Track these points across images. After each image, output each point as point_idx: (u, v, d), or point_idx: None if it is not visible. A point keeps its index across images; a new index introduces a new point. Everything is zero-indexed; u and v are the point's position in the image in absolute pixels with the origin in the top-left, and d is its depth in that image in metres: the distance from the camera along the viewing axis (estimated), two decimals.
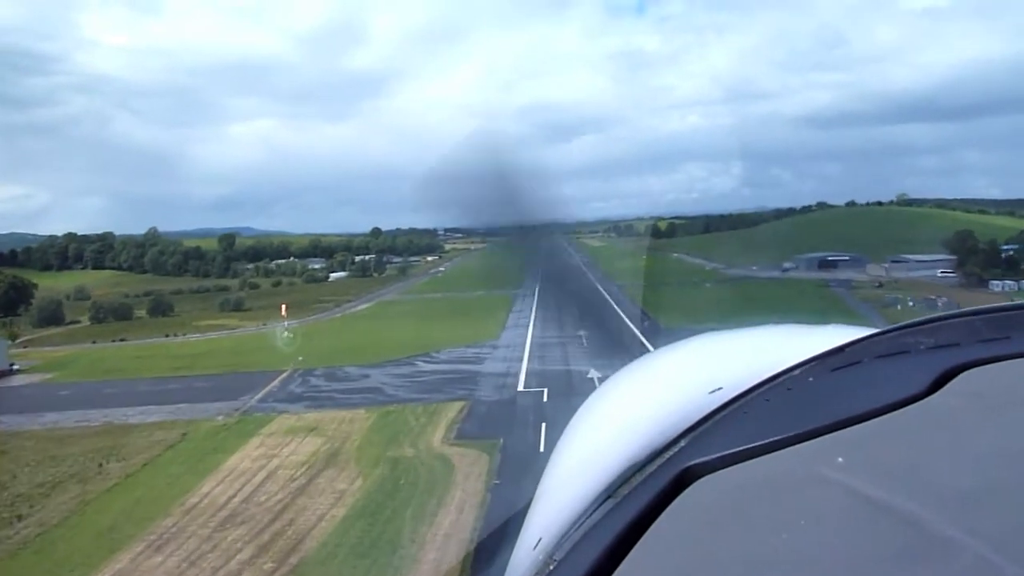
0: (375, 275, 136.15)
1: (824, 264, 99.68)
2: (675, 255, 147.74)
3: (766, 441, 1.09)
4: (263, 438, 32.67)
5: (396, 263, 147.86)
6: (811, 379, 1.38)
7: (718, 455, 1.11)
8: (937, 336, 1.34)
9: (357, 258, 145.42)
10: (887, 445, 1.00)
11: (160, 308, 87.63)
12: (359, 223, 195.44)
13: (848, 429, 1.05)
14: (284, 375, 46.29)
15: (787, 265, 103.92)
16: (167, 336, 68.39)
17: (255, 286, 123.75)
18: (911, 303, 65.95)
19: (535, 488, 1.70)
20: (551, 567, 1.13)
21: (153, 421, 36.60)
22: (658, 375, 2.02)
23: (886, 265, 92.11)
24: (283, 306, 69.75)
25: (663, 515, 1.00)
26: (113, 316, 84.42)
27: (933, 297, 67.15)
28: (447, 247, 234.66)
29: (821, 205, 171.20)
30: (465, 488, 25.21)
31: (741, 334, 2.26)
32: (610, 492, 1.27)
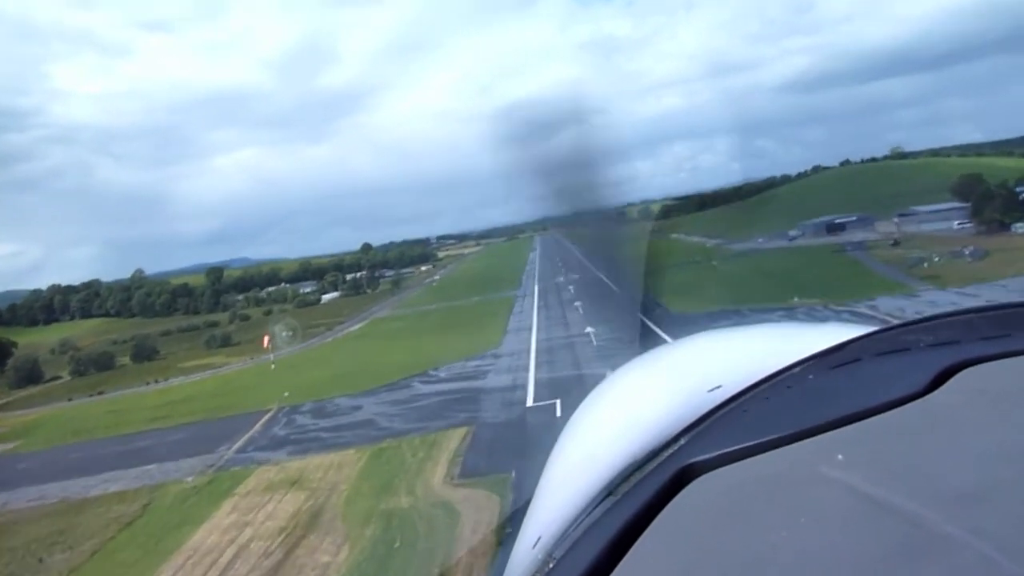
0: (368, 291, 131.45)
1: (832, 227, 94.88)
2: (673, 235, 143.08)
3: (766, 439, 1.10)
4: (237, 499, 27.92)
5: (389, 277, 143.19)
6: (811, 377, 1.38)
7: (718, 453, 1.12)
8: (937, 334, 1.33)
9: (348, 276, 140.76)
10: (887, 443, 1.01)
11: (143, 353, 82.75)
12: (352, 241, 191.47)
13: (848, 427, 1.05)
14: (268, 416, 41.53)
15: (793, 233, 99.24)
16: (148, 383, 63.61)
17: (245, 317, 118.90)
18: (936, 258, 61.12)
19: (535, 486, 1.66)
20: (551, 565, 1.13)
21: (115, 491, 31.79)
22: (657, 373, 1.97)
23: (896, 221, 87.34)
24: (265, 338, 64.82)
25: (663, 513, 1.01)
26: (94, 367, 79.56)
27: (959, 248, 62.36)
28: (440, 255, 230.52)
29: (816, 169, 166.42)
30: (472, 543, 20.46)
31: (740, 332, 2.30)
32: (610, 490, 1.27)
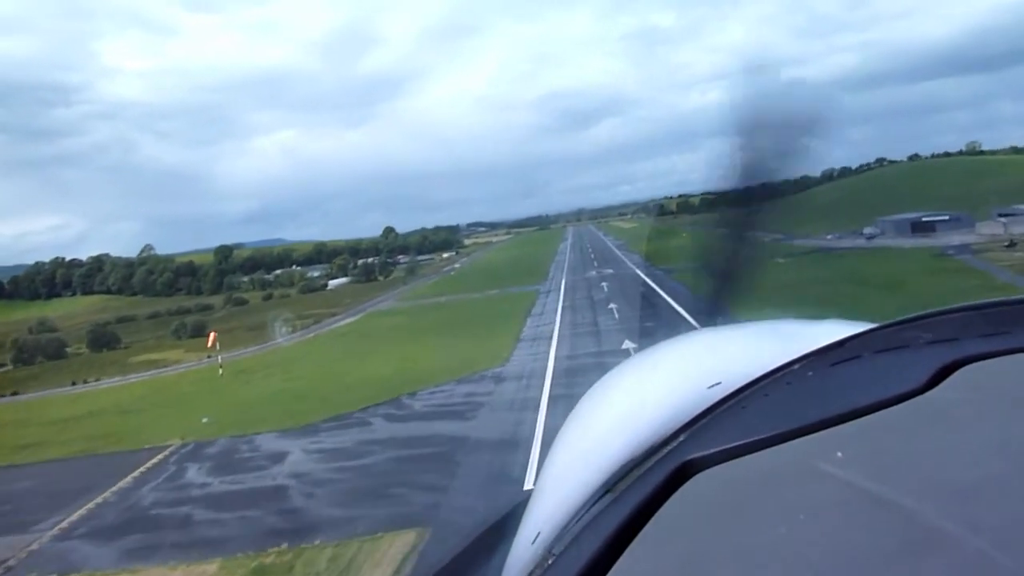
0: (380, 278, 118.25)
1: (918, 226, 78.88)
2: (719, 230, 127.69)
3: (765, 436, 1.10)
4: None
5: (403, 264, 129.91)
6: (810, 374, 1.37)
7: (717, 449, 1.12)
8: (936, 331, 1.32)
9: (360, 261, 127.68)
10: (886, 440, 1.01)
11: (103, 340, 70.19)
12: (390, 225, 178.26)
13: (847, 424, 1.05)
14: (151, 463, 27.94)
15: (870, 231, 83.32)
16: (73, 384, 50.83)
17: (241, 301, 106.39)
18: None
19: (534, 482, 1.64)
20: (550, 561, 1.13)
21: None
22: (657, 370, 1.95)
23: (1003, 220, 71.37)
24: (211, 336, 51.39)
25: (662, 509, 1.01)
26: (43, 355, 67.20)
27: None
28: (467, 242, 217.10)
29: (880, 161, 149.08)
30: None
31: (740, 328, 2.29)
32: (609, 486, 1.27)
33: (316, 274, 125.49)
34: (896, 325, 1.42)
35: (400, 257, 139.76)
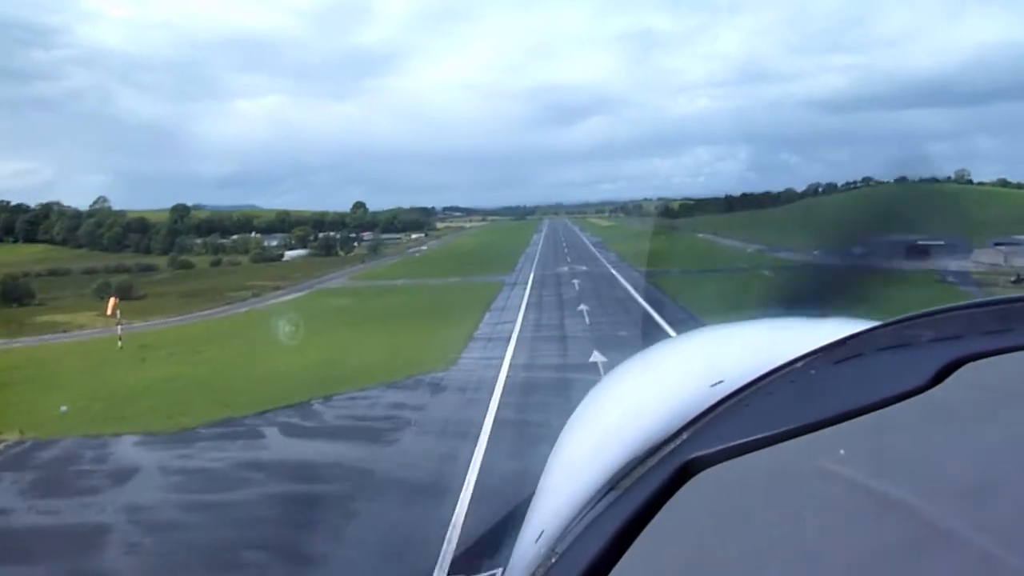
0: (341, 253, 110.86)
1: (914, 250, 73.86)
2: (700, 235, 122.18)
3: (768, 434, 1.09)
4: None
5: (367, 241, 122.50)
6: (813, 372, 1.37)
7: (720, 448, 1.11)
8: (939, 328, 1.31)
9: (321, 234, 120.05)
10: (889, 438, 1.01)
11: (14, 295, 62.32)
12: (367, 203, 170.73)
13: (850, 422, 1.05)
14: None
15: (859, 251, 78.03)
16: None
17: (187, 265, 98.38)
18: None
19: (537, 480, 1.63)
20: (553, 559, 1.13)
21: None
22: (659, 368, 1.96)
23: (1004, 250, 66.40)
24: (111, 302, 44.05)
25: (665, 507, 1.01)
26: None
27: None
28: (439, 225, 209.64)
29: (867, 180, 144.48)
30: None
31: (742, 327, 2.24)
32: (612, 485, 1.27)
33: (274, 243, 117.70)
34: (899, 323, 1.41)
35: (365, 234, 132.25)
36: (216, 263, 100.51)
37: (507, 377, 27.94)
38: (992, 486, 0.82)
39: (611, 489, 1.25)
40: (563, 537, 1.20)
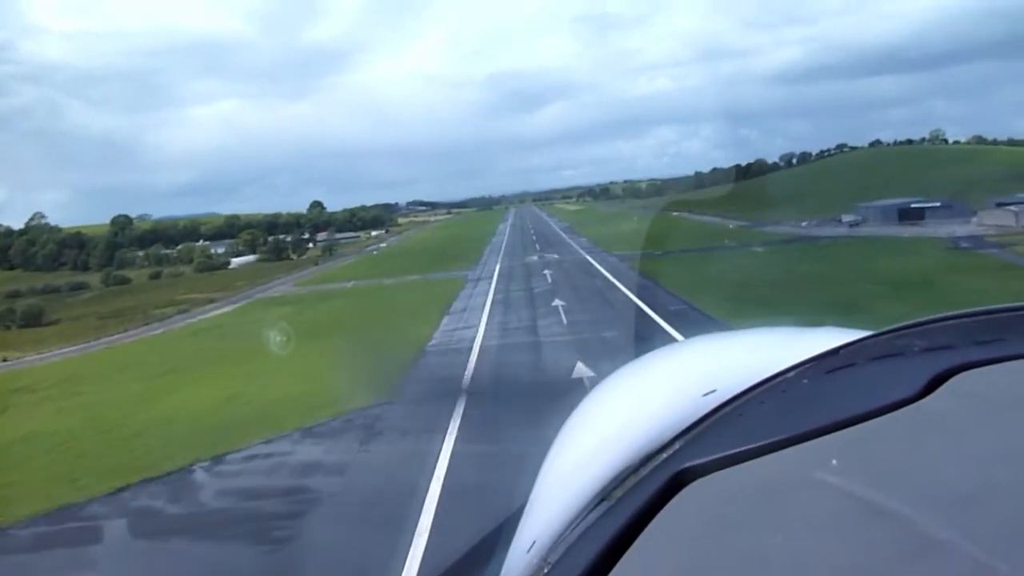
0: (293, 256, 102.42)
1: (907, 213, 67.67)
2: (674, 214, 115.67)
3: (760, 443, 1.09)
4: None
5: (322, 241, 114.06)
6: (805, 381, 1.37)
7: (712, 458, 1.11)
8: (931, 338, 1.33)
9: (271, 237, 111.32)
10: (881, 447, 1.00)
11: None
12: (330, 202, 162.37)
13: (842, 432, 1.04)
14: None
15: (849, 218, 71.80)
16: None
17: (122, 280, 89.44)
18: None
19: (529, 491, 1.62)
20: (545, 570, 1.12)
21: None
22: (652, 378, 1.97)
23: (1014, 210, 60.46)
24: None
25: (657, 517, 1.00)
26: None
27: None
28: (402, 221, 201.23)
29: (841, 148, 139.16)
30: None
31: (735, 336, 2.27)
32: (604, 495, 1.26)
33: (220, 251, 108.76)
34: (891, 333, 1.41)
35: (320, 234, 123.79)
36: (156, 276, 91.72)
37: (465, 411, 20.61)
38: (984, 495, 0.82)
39: (603, 499, 1.23)
40: (555, 547, 1.18)
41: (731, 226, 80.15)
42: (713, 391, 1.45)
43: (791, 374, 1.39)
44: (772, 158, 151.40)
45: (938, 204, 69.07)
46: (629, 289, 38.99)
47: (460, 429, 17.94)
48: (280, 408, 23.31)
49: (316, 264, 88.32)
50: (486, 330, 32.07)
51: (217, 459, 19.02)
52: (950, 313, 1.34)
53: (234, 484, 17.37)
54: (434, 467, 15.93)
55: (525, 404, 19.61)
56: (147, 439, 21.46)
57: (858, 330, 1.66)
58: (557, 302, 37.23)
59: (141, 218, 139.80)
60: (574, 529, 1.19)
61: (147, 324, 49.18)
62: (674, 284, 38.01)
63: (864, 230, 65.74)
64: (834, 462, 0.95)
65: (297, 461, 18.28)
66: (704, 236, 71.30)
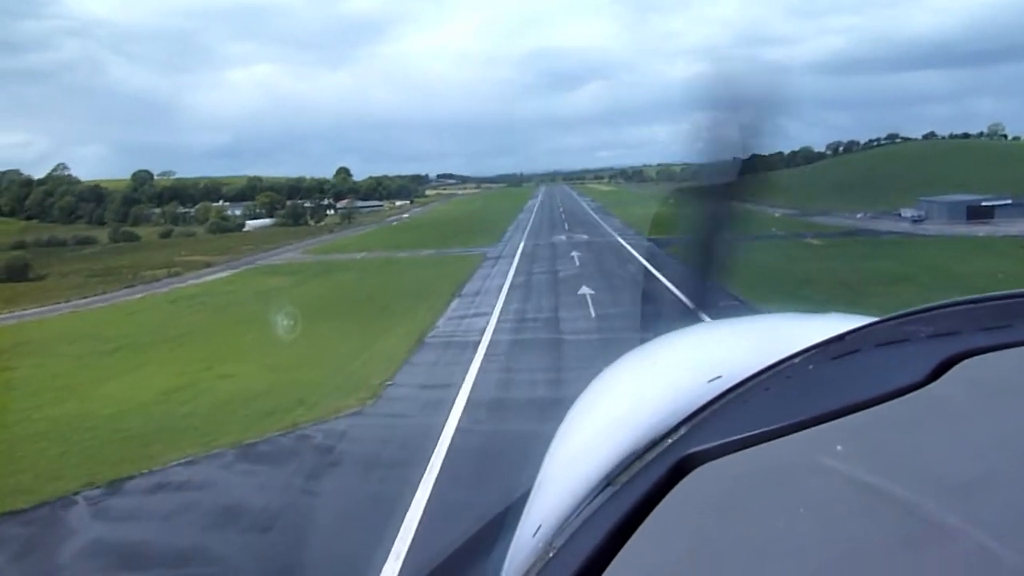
0: (311, 222, 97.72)
1: (977, 211, 60.93)
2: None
3: (765, 429, 1.08)
4: None
5: (342, 209, 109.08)
6: (811, 367, 1.36)
7: (717, 443, 1.10)
8: (937, 324, 1.31)
9: (289, 202, 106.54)
10: (886, 433, 1.00)
11: None
12: (362, 172, 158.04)
13: (847, 417, 1.04)
14: None
15: (910, 212, 64.97)
16: None
17: (131, 237, 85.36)
18: None
19: (535, 476, 1.64)
20: (551, 554, 1.12)
21: None
22: (657, 363, 1.96)
23: None
24: None
25: (663, 502, 1.00)
26: None
27: None
28: (429, 192, 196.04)
29: (892, 137, 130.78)
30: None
31: (740, 322, 2.26)
32: (610, 480, 1.26)
33: (237, 212, 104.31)
34: (897, 319, 1.40)
35: (341, 202, 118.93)
36: (166, 234, 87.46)
37: (458, 430, 15.37)
38: (990, 481, 0.82)
39: (609, 484, 1.22)
40: (561, 531, 1.17)
41: (776, 214, 73.64)
42: (718, 377, 1.44)
43: (797, 360, 1.39)
44: (818, 147, 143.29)
45: (1009, 201, 62.06)
46: (670, 279, 33.37)
47: (439, 480, 12.62)
48: (227, 411, 18.26)
49: (331, 232, 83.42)
50: (499, 320, 26.69)
51: (114, 485, 13.94)
52: (956, 299, 1.32)
53: (116, 535, 12.19)
54: (396, 532, 10.70)
55: (536, 430, 14.15)
56: (43, 444, 16.47)
57: (864, 316, 1.64)
58: (584, 290, 31.70)
59: (164, 175, 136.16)
60: (579, 514, 1.18)
61: (131, 287, 44.43)
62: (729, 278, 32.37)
63: (930, 227, 59.05)
64: (839, 448, 0.94)
65: (213, 501, 13.07)
66: (746, 224, 64.86)
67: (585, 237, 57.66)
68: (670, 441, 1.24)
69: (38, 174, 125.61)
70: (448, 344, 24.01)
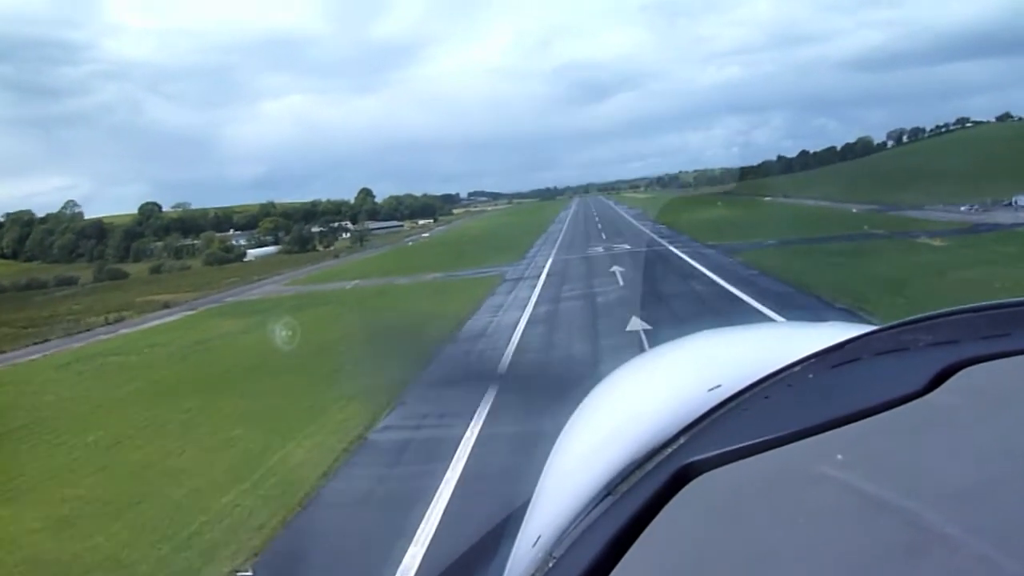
0: (319, 248, 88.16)
1: None
2: (767, 199, 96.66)
3: (765, 438, 1.08)
4: None
5: (352, 231, 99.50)
6: (811, 376, 1.36)
7: (717, 452, 1.10)
8: (936, 333, 1.31)
9: (296, 226, 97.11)
10: (886, 442, 0.99)
11: None
12: (399, 195, 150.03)
13: (847, 426, 1.03)
14: None
15: None
16: None
17: (118, 275, 76.49)
18: None
19: (534, 485, 1.60)
20: (550, 564, 1.11)
21: None
22: (657, 372, 1.93)
23: None
24: None
25: (662, 512, 1.00)
26: None
27: None
28: (458, 210, 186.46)
29: (962, 122, 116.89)
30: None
31: (740, 331, 2.19)
32: (609, 489, 1.24)
33: (242, 242, 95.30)
34: (896, 327, 1.39)
35: (360, 224, 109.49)
36: (156, 270, 78.44)
37: None
38: (990, 490, 0.81)
39: (608, 494, 1.21)
40: (561, 541, 1.16)
41: (854, 210, 61.53)
42: (718, 386, 1.42)
43: (796, 369, 1.37)
44: (878, 137, 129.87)
45: None
46: (764, 303, 21.98)
47: None
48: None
49: (336, 257, 73.58)
50: (498, 398, 15.58)
51: None
52: (956, 308, 1.31)
53: None
54: None
55: None
56: None
57: (864, 325, 1.60)
58: (636, 324, 20.53)
59: (178, 207, 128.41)
60: (579, 523, 1.17)
61: (70, 335, 34.72)
62: (850, 297, 20.97)
63: None
64: (839, 457, 0.93)
65: None
66: (826, 222, 53.16)
67: (627, 247, 46.48)
68: (670, 450, 1.23)
69: (86, 215, 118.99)
70: (402, 448, 13.19)
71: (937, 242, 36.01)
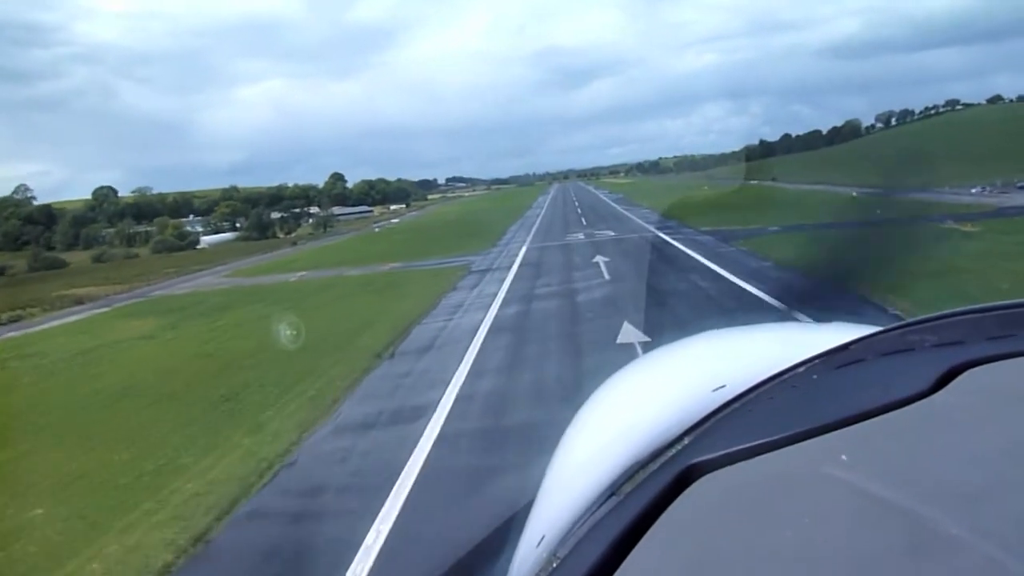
0: (280, 234, 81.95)
1: None
2: (753, 182, 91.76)
3: (770, 439, 1.07)
4: None
5: (316, 216, 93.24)
6: (815, 377, 1.35)
7: (721, 453, 1.09)
8: (942, 334, 1.30)
9: (254, 211, 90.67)
10: (891, 443, 0.99)
11: None
12: (378, 181, 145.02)
13: (852, 427, 1.03)
14: None
15: None
16: None
17: (55, 264, 69.76)
18: None
19: (538, 485, 1.59)
20: (554, 564, 1.10)
21: None
22: (661, 373, 1.92)
23: None
24: None
25: (666, 512, 0.99)
26: None
27: None
28: (432, 196, 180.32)
29: (951, 104, 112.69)
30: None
31: (744, 332, 2.23)
32: (613, 490, 1.23)
33: (199, 228, 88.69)
34: (901, 328, 1.38)
35: (325, 209, 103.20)
36: (98, 258, 71.82)
37: None
38: (994, 491, 0.81)
39: (612, 494, 1.20)
40: (565, 541, 1.15)
41: (854, 194, 56.73)
42: (722, 386, 1.42)
43: (801, 369, 1.37)
44: (866, 120, 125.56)
45: None
46: (787, 302, 16.82)
47: None
48: None
49: (294, 244, 67.53)
50: (449, 419, 10.23)
51: None
52: (961, 308, 1.30)
53: None
54: None
55: None
56: None
57: (868, 326, 1.62)
58: (630, 334, 15.29)
59: (138, 191, 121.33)
60: (583, 524, 1.16)
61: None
62: (898, 294, 15.95)
63: None
64: (844, 457, 0.93)
65: None
66: (828, 207, 48.34)
67: (610, 234, 41.18)
68: (674, 451, 1.22)
69: (59, 201, 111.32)
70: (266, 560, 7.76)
71: (968, 227, 31.00)
